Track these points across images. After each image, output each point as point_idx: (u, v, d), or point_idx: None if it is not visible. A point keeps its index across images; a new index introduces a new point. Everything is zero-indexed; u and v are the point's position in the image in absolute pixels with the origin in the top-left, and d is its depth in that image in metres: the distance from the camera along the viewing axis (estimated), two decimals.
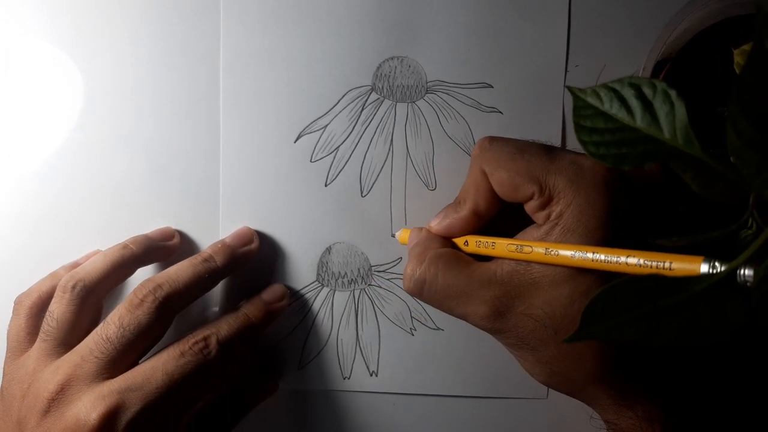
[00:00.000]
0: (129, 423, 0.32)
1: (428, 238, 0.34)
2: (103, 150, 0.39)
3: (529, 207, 0.31)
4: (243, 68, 0.39)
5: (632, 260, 0.26)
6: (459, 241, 0.34)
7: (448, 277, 0.31)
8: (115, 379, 0.33)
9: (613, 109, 0.25)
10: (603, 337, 0.22)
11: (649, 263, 0.26)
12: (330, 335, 0.40)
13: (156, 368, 0.33)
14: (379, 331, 0.40)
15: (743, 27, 0.32)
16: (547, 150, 0.31)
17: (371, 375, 0.40)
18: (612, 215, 0.29)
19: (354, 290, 0.40)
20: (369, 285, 0.40)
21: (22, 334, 0.36)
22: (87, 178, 0.40)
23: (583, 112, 0.26)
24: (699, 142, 0.23)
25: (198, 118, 0.39)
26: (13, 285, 0.38)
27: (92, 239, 0.40)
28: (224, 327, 0.36)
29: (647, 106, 0.24)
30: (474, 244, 0.33)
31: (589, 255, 0.28)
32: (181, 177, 0.39)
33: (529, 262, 0.30)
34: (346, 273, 0.40)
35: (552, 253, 0.29)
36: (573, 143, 0.39)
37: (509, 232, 0.32)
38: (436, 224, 0.34)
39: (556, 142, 0.39)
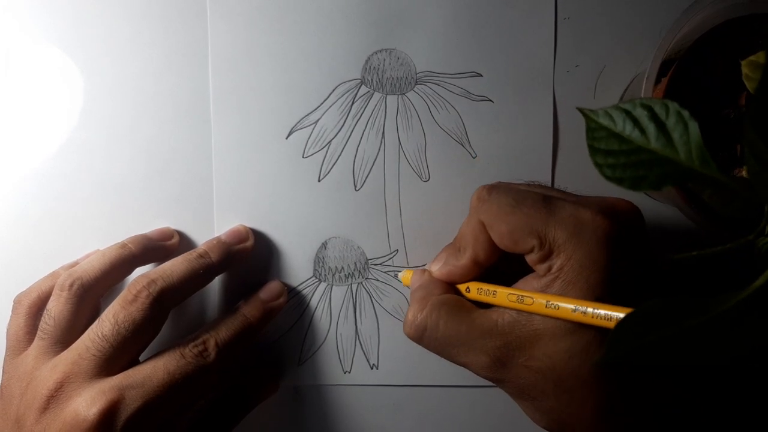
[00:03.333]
0: (128, 419, 0.32)
1: (430, 282, 0.34)
2: (96, 150, 0.39)
3: (530, 258, 0.30)
4: (232, 66, 0.39)
5: None
6: (461, 287, 0.34)
7: (450, 325, 0.31)
8: (115, 376, 0.33)
9: (627, 130, 0.25)
10: (629, 360, 0.21)
11: None
12: (329, 330, 0.40)
13: (157, 367, 0.33)
14: (378, 324, 0.40)
15: (749, 28, 0.32)
16: (546, 201, 0.30)
17: (372, 368, 0.40)
18: (613, 270, 0.29)
19: (351, 284, 0.40)
20: (366, 278, 0.40)
21: (21, 332, 0.36)
22: (86, 178, 0.40)
23: (596, 134, 0.25)
24: (705, 143, 0.23)
25: (189, 118, 0.39)
26: (12, 285, 0.38)
27: (91, 239, 0.40)
28: (223, 330, 0.36)
29: (660, 126, 0.24)
30: (475, 291, 0.33)
31: (590, 310, 0.27)
32: (174, 176, 0.39)
33: (530, 313, 0.30)
34: (342, 267, 0.40)
35: (553, 306, 0.28)
36: (564, 129, 0.39)
37: (509, 276, 0.32)
38: (436, 269, 0.34)
39: (548, 128, 0.38)
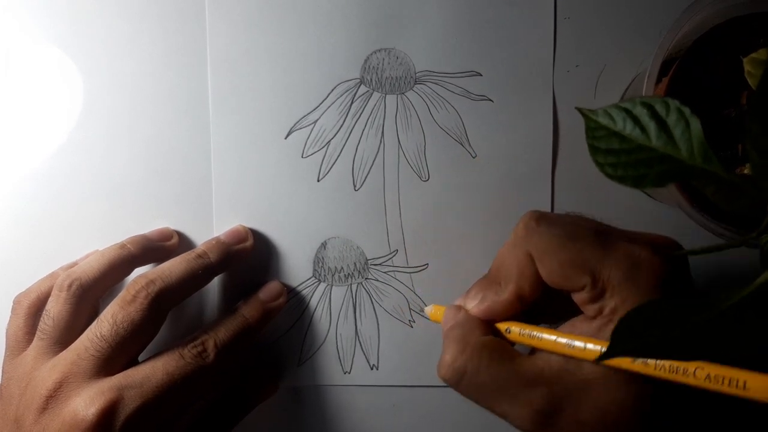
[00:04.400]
0: (127, 419, 0.32)
1: (468, 321, 0.31)
2: (96, 150, 0.40)
3: (579, 298, 0.28)
4: (231, 66, 0.39)
5: (701, 373, 0.24)
6: (500, 327, 0.31)
7: (492, 371, 0.29)
8: (114, 376, 0.33)
9: (627, 129, 0.24)
10: (635, 355, 0.21)
11: (720, 378, 0.23)
12: (329, 331, 0.40)
13: (156, 368, 0.33)
14: (377, 324, 0.40)
15: (749, 27, 0.32)
16: (600, 237, 0.28)
17: (372, 369, 0.40)
18: None
19: (351, 284, 0.40)
20: (366, 279, 0.40)
21: (20, 333, 0.36)
22: (85, 178, 0.40)
23: (596, 133, 0.25)
24: (709, 143, 0.23)
25: (188, 118, 0.39)
26: (12, 285, 0.38)
27: (91, 239, 0.40)
28: (222, 331, 0.36)
29: (661, 124, 0.23)
30: (518, 332, 0.30)
31: (651, 362, 0.25)
32: (173, 176, 0.39)
33: (580, 360, 0.27)
34: (342, 267, 0.40)
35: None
36: (564, 129, 0.38)
37: (549, 316, 0.30)
38: (474, 306, 0.31)
39: (548, 128, 0.38)
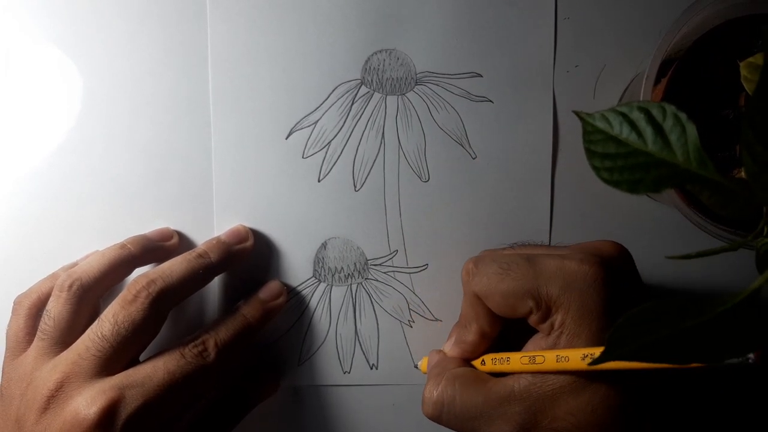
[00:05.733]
0: (128, 418, 0.32)
1: (444, 360, 0.34)
2: (96, 150, 0.39)
3: (531, 320, 0.31)
4: (232, 67, 0.39)
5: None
6: (476, 363, 0.34)
7: (466, 397, 0.31)
8: (115, 375, 0.33)
9: (624, 133, 0.24)
10: (628, 359, 0.22)
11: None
12: (329, 330, 0.40)
13: (157, 367, 0.33)
14: (377, 324, 0.40)
15: (748, 28, 0.32)
16: (531, 262, 0.31)
17: (371, 368, 0.40)
18: (611, 313, 0.29)
19: (351, 284, 0.40)
20: (366, 279, 0.40)
21: (20, 334, 0.36)
22: (85, 178, 0.40)
23: (592, 137, 0.25)
24: (704, 143, 0.23)
25: (188, 118, 0.39)
26: (12, 285, 0.38)
27: (91, 239, 0.40)
28: (222, 330, 0.36)
29: (658, 129, 0.24)
30: (490, 362, 0.33)
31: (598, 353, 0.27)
32: (174, 176, 0.39)
33: (544, 373, 0.30)
34: (342, 268, 0.40)
35: (563, 359, 0.28)
36: (564, 129, 0.39)
37: (521, 338, 0.32)
38: (449, 350, 0.35)
39: (547, 128, 0.38)
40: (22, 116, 0.40)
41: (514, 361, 0.31)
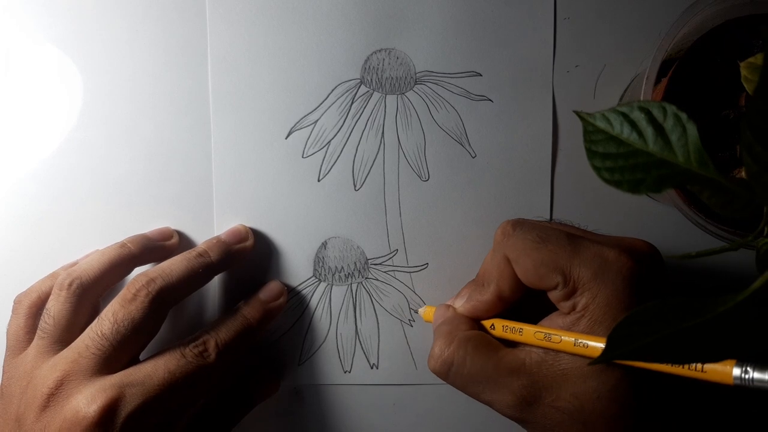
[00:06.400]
0: (128, 417, 0.32)
1: (455, 318, 0.34)
2: (96, 150, 0.40)
3: (553, 296, 0.31)
4: (231, 66, 0.39)
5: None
6: (485, 324, 0.33)
7: (477, 361, 0.31)
8: (115, 374, 0.33)
9: (624, 133, 0.24)
10: (629, 359, 0.22)
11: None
12: (329, 330, 0.40)
13: (158, 366, 0.33)
14: (378, 323, 0.40)
15: (748, 28, 0.32)
16: (570, 240, 0.30)
17: (372, 368, 0.40)
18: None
19: (351, 284, 0.40)
20: (366, 278, 0.40)
21: (21, 333, 0.36)
22: (85, 178, 0.40)
23: (593, 137, 0.25)
24: (704, 143, 0.23)
25: (188, 118, 0.39)
26: (12, 285, 0.38)
27: (91, 239, 0.40)
28: (223, 331, 0.36)
29: (658, 129, 0.24)
30: (501, 328, 0.33)
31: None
32: (173, 176, 0.39)
33: (557, 351, 0.30)
34: (342, 267, 0.40)
35: (581, 344, 0.28)
36: (564, 129, 0.39)
37: (532, 315, 0.32)
38: (460, 305, 0.34)
39: (547, 127, 0.38)
40: (22, 116, 0.40)
41: (528, 333, 0.31)
